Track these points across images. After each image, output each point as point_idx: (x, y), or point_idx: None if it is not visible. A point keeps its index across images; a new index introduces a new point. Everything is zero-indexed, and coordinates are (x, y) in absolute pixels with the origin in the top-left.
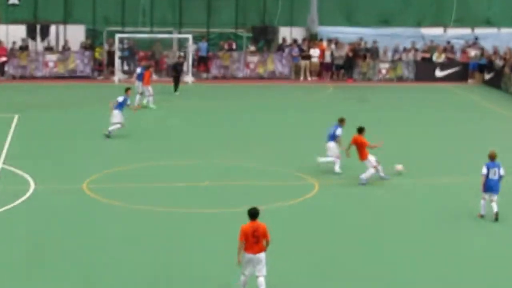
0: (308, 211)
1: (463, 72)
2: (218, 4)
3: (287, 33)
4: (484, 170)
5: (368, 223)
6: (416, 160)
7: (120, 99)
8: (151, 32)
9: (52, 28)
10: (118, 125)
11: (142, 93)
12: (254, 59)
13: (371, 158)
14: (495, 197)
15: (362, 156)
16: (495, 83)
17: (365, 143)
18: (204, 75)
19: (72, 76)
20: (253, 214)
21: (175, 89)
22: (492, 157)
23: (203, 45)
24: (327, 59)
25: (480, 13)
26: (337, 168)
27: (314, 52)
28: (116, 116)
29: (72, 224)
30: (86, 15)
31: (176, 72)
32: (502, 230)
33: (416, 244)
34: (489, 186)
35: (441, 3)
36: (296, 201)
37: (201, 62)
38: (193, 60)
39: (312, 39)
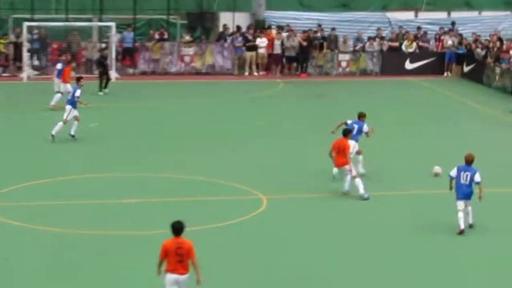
0: (256, 230)
1: (438, 63)
2: None
3: (229, 20)
4: (452, 173)
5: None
6: (377, 167)
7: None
8: (67, 19)
9: None
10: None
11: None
12: (189, 51)
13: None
14: (463, 206)
15: (343, 162)
16: (476, 76)
17: (348, 148)
18: (131, 70)
19: None
20: (177, 229)
21: (100, 88)
22: (468, 161)
23: (129, 34)
24: (277, 50)
25: None
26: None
27: (261, 42)
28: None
29: None
30: None
31: (102, 67)
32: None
33: (377, 263)
34: (459, 193)
35: None
36: (242, 218)
37: (127, 55)
38: (117, 52)
39: (259, 26)
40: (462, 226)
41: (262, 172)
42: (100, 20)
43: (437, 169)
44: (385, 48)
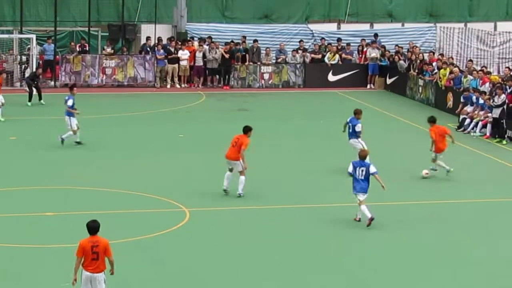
0: (178, 242)
1: (361, 75)
2: None
3: (150, 32)
4: (351, 168)
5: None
6: (288, 180)
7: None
8: None
9: None
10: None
11: None
12: (111, 63)
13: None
14: (362, 197)
15: (235, 157)
16: (400, 88)
17: (245, 145)
18: (52, 82)
19: None
20: (92, 228)
21: (30, 99)
22: (361, 156)
23: (49, 46)
24: (199, 62)
25: (379, 5)
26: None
27: (183, 54)
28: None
29: None
30: None
31: (32, 80)
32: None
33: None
34: (357, 187)
35: None
36: (165, 231)
37: (48, 67)
38: (38, 64)
39: (181, 38)
40: (370, 215)
41: (185, 185)
42: (21, 32)
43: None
44: (308, 60)
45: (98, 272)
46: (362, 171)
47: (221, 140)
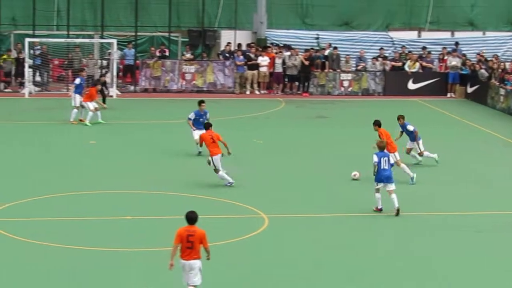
0: (257, 249)
1: (442, 84)
2: (148, 3)
3: (230, 38)
4: (376, 159)
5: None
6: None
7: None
8: (68, 36)
9: None
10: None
11: (82, 107)
12: (190, 68)
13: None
14: (391, 187)
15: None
16: (480, 97)
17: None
18: (131, 87)
19: None
20: (190, 218)
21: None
22: (381, 147)
23: (130, 51)
24: (278, 68)
25: (461, 14)
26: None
27: (263, 61)
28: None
29: None
30: None
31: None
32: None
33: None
34: (382, 176)
35: (414, 2)
36: (243, 237)
37: (128, 72)
38: (118, 69)
39: (260, 44)
40: (380, 205)
41: (263, 191)
42: (101, 37)
43: (355, 175)
44: (387, 68)
45: (191, 259)
46: (386, 160)
47: (299, 147)
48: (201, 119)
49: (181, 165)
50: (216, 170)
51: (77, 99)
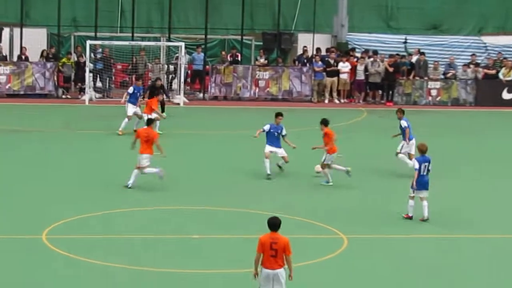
0: (336, 271)
1: None
2: (219, 3)
3: (308, 42)
4: (417, 165)
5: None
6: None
7: (130, 89)
8: (132, 38)
9: (4, 33)
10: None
11: (138, 118)
12: (264, 74)
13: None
14: (425, 194)
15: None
16: None
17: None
18: (200, 94)
19: (30, 94)
20: (273, 224)
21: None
22: (423, 150)
23: (199, 56)
24: (360, 76)
25: None
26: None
27: (343, 67)
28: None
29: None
30: (49, 16)
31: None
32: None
33: None
34: (422, 183)
35: (509, 4)
36: (322, 258)
37: (196, 78)
38: (186, 75)
39: (341, 49)
40: (411, 213)
41: (342, 209)
42: (169, 40)
43: (317, 167)
44: (480, 75)
45: (275, 268)
46: (425, 166)
47: (383, 160)
48: (275, 133)
49: (251, 179)
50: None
51: (130, 108)
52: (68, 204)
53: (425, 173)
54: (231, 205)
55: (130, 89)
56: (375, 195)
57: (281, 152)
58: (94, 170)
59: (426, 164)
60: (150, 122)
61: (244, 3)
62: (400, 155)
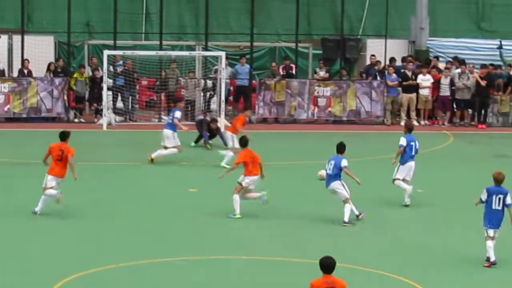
0: None
1: None
2: (267, 3)
3: (379, 49)
4: (484, 197)
5: None
6: None
7: (178, 114)
8: (161, 47)
9: (2, 41)
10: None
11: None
12: (325, 91)
13: None
14: (495, 233)
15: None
16: None
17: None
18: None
19: (34, 117)
20: (328, 265)
21: (197, 140)
22: (498, 180)
23: (243, 68)
24: (445, 91)
25: None
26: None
27: (424, 80)
28: (169, 137)
29: None
30: (57, 21)
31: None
32: None
33: None
34: (494, 219)
35: None
36: None
37: (240, 96)
38: (227, 92)
39: (421, 58)
40: (493, 257)
41: (417, 256)
42: (205, 49)
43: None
44: None
45: None
46: (499, 199)
47: (470, 195)
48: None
49: (308, 223)
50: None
51: (170, 137)
52: (83, 253)
53: (499, 208)
54: (287, 254)
55: (178, 114)
56: (459, 235)
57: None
58: (113, 211)
59: (501, 196)
60: (65, 136)
61: (298, 2)
62: (396, 182)
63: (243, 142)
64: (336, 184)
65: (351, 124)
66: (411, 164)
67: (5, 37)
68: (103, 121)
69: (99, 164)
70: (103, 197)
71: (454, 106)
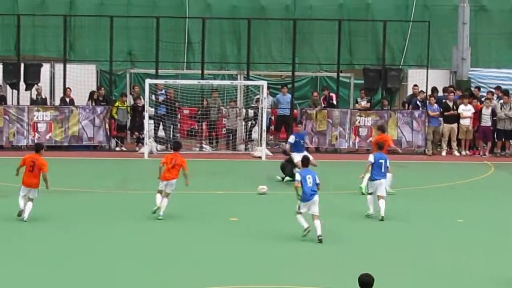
0: None
1: None
2: (309, 33)
3: (420, 79)
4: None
5: None
6: None
7: (292, 139)
8: (203, 76)
9: (44, 70)
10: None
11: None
12: (367, 120)
13: None
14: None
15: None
16: None
17: None
18: (287, 145)
19: (75, 146)
20: (366, 283)
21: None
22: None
23: (285, 97)
24: (486, 121)
25: None
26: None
27: (465, 110)
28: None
29: None
30: (99, 50)
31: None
32: None
33: None
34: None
35: None
36: None
37: (282, 125)
38: (269, 121)
39: (462, 88)
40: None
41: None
42: (247, 78)
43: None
44: None
45: None
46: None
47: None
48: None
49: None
50: None
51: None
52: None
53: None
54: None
55: (291, 138)
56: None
57: None
58: (162, 242)
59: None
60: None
61: (340, 32)
62: (368, 197)
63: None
64: (317, 197)
65: (392, 153)
66: (381, 181)
67: (47, 66)
68: (145, 149)
69: (142, 193)
70: (146, 227)
71: (496, 136)
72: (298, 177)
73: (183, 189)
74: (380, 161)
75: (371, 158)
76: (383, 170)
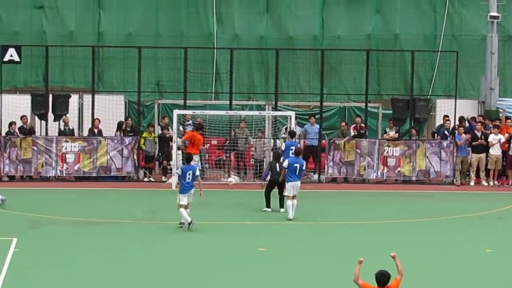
0: None
1: None
2: (337, 63)
3: (449, 109)
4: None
5: None
6: None
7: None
8: (231, 107)
9: (72, 100)
10: None
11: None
12: (395, 150)
13: None
14: None
15: None
16: None
17: None
18: (315, 176)
19: (104, 176)
20: (381, 280)
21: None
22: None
23: (313, 128)
24: None
25: None
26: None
27: (494, 140)
28: None
29: None
30: (127, 80)
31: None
32: None
33: None
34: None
35: None
36: None
37: (310, 155)
38: None
39: (491, 118)
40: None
41: None
42: (275, 108)
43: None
44: None
45: None
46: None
47: None
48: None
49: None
50: None
51: None
52: None
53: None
54: None
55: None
56: None
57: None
58: (191, 273)
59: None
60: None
61: (368, 62)
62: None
63: None
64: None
65: (420, 184)
66: (296, 183)
67: (75, 97)
68: (172, 180)
69: (170, 223)
70: (175, 257)
71: None
72: (286, 163)
73: (212, 219)
74: (295, 165)
75: (285, 163)
76: (297, 173)
